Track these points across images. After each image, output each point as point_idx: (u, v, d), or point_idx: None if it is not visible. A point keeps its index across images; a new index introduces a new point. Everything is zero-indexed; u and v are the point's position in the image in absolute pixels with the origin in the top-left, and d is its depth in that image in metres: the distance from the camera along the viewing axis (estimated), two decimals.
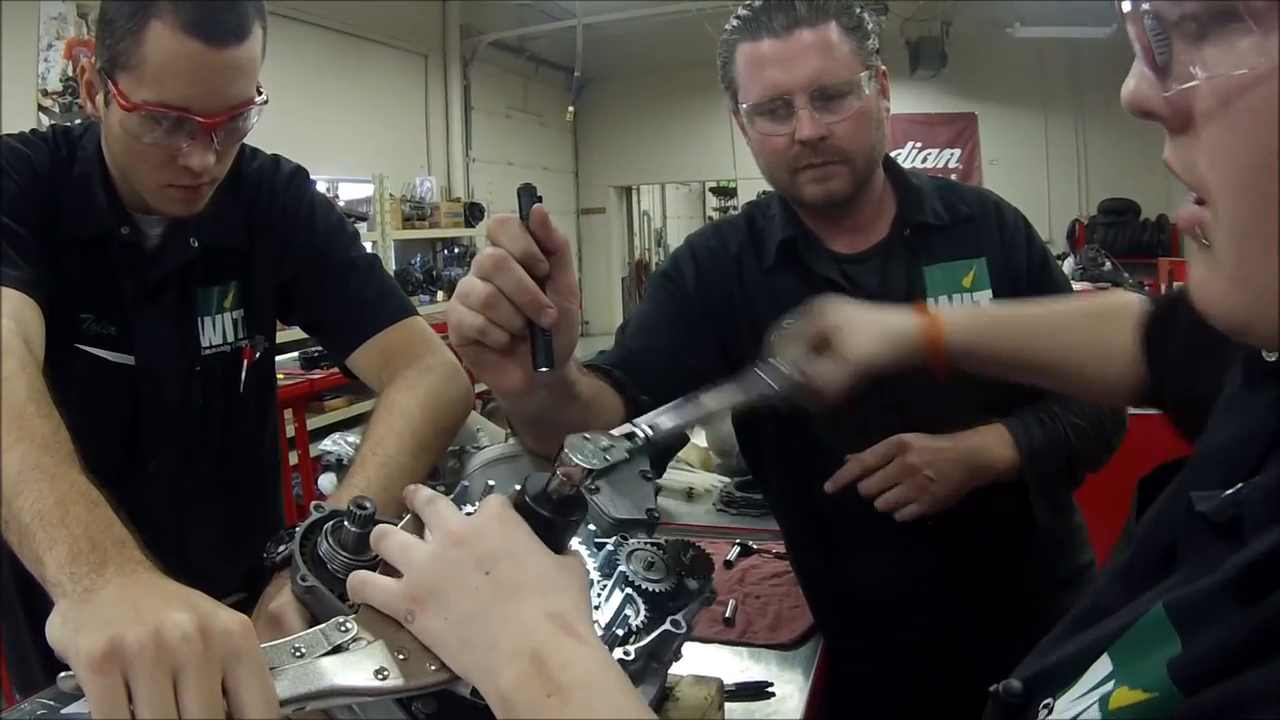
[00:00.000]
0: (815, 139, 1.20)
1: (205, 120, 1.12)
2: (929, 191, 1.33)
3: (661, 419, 0.79)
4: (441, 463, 1.26)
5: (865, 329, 1.02)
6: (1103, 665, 0.44)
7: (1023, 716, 0.48)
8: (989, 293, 1.30)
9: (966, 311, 1.11)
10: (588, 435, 0.70)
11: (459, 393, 1.25)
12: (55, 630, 0.65)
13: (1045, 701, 0.46)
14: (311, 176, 1.43)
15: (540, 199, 0.79)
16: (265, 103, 1.19)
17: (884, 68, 1.27)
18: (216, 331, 1.36)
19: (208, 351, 1.35)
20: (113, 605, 0.66)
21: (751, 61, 1.22)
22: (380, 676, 0.60)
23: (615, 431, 0.75)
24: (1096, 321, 1.01)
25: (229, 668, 0.60)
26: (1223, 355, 0.74)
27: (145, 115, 1.12)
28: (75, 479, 0.82)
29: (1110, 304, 1.04)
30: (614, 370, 1.16)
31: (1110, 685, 0.42)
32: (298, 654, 0.62)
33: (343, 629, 0.63)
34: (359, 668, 0.61)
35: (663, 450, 1.30)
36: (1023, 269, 1.31)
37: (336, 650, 0.62)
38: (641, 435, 0.75)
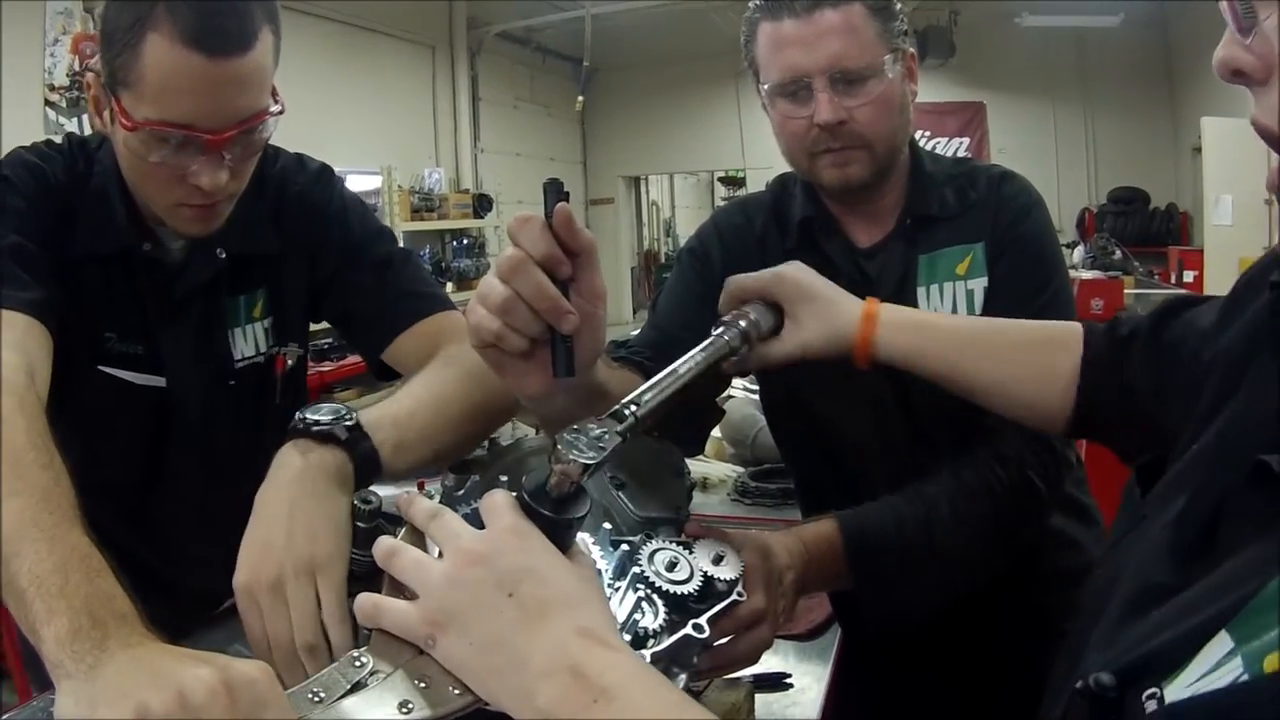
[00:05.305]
0: (833, 123, 1.16)
1: (213, 138, 1.03)
2: (942, 180, 1.28)
3: (646, 395, 0.73)
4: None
5: (816, 315, 0.98)
6: (1220, 644, 0.42)
7: (1120, 709, 0.46)
8: (985, 280, 1.23)
9: (912, 316, 1.02)
10: (577, 427, 0.66)
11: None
12: (68, 712, 0.61)
13: (1150, 692, 0.44)
14: None
15: (567, 195, 0.74)
16: (281, 112, 1.10)
17: (912, 50, 1.23)
18: (248, 342, 1.29)
19: (241, 364, 1.28)
20: (126, 675, 0.62)
21: (772, 41, 1.19)
22: (405, 710, 0.58)
23: (604, 415, 0.70)
24: (1039, 349, 0.98)
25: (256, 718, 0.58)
26: (1186, 373, 0.77)
27: (149, 134, 1.02)
28: (76, 541, 0.75)
29: (1056, 333, 1.00)
30: (644, 360, 1.14)
31: (1237, 660, 0.41)
32: (317, 699, 0.59)
33: (357, 664, 0.61)
34: (382, 703, 0.58)
35: (698, 424, 1.27)
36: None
37: (356, 687, 0.59)
38: (630, 414, 0.70)
